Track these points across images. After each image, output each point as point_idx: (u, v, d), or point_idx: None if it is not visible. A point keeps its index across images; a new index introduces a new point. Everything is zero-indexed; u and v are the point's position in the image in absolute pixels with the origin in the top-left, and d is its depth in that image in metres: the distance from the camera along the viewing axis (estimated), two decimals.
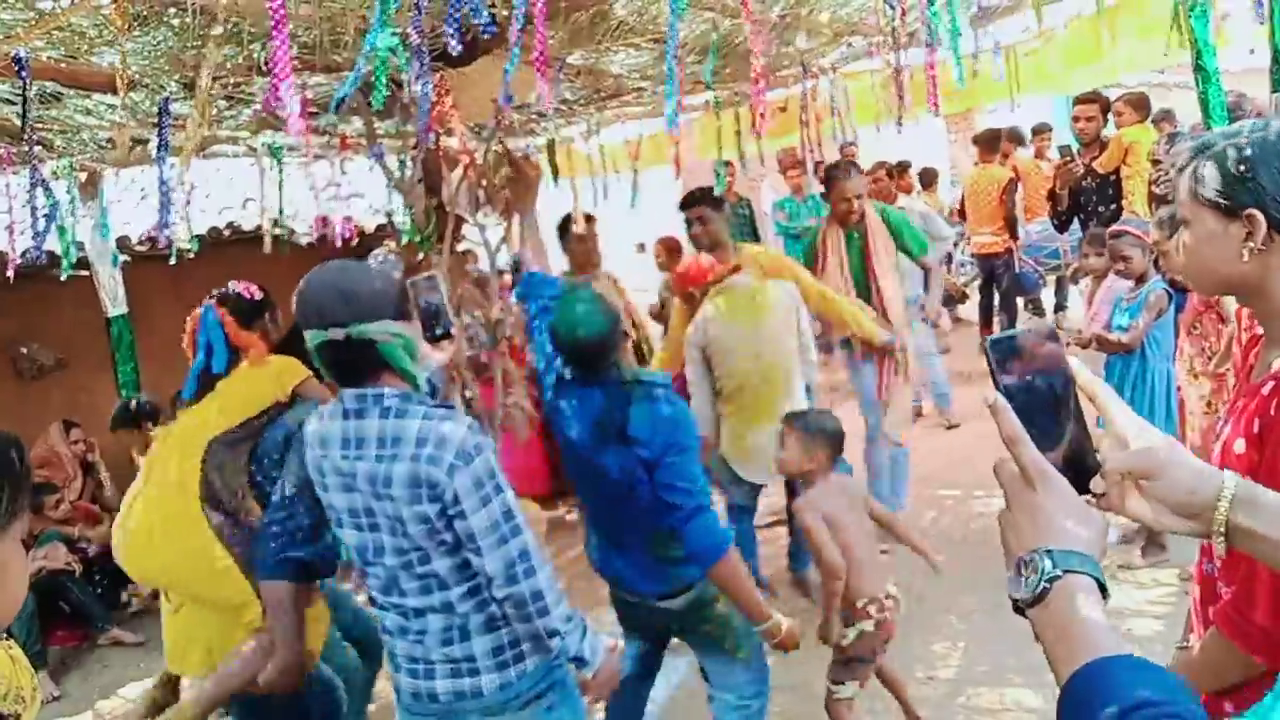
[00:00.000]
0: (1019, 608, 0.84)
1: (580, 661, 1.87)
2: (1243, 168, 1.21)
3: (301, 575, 2.17)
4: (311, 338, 1.80)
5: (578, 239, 4.65)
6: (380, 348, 1.79)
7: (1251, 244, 1.21)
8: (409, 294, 1.93)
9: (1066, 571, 0.81)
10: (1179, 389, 3.61)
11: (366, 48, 1.98)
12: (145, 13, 2.67)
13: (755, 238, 7.68)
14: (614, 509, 2.46)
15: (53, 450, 5.27)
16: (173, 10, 2.66)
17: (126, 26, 2.63)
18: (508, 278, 5.41)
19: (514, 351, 4.16)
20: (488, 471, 1.77)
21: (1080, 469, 0.90)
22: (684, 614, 2.52)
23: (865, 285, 4.35)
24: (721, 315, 3.72)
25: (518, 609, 1.79)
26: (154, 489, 2.44)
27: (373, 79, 3.34)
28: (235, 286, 2.75)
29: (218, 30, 1.72)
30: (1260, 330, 1.35)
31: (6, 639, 1.60)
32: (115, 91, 3.05)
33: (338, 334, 1.77)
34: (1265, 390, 1.24)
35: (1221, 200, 1.23)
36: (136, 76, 3.05)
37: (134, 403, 3.94)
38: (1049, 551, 0.82)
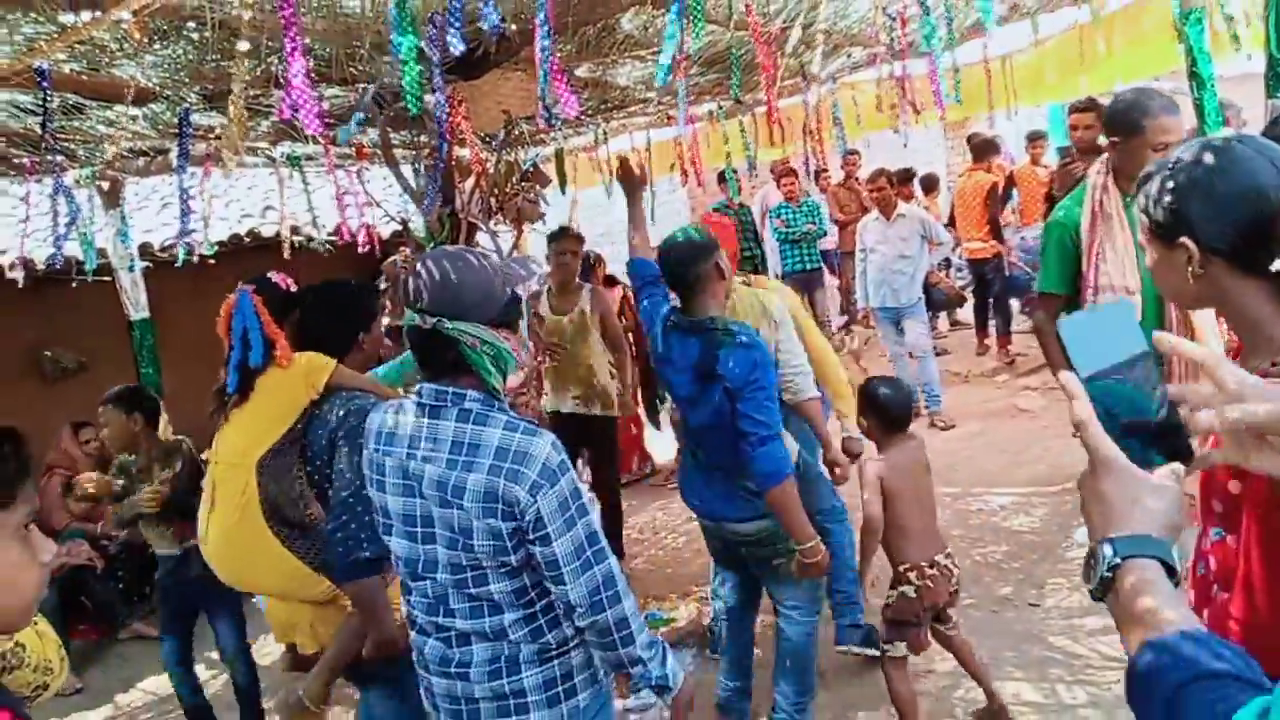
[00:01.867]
0: (1096, 598, 0.85)
1: (663, 688, 1.77)
2: (1169, 199, 1.28)
3: (373, 570, 2.16)
4: (406, 318, 1.72)
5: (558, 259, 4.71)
6: (463, 349, 1.67)
7: (1191, 268, 1.28)
8: (517, 304, 1.80)
9: (1127, 558, 0.82)
10: None
11: (394, 52, 2.05)
12: (165, 27, 2.77)
13: (757, 243, 7.79)
14: (706, 442, 2.80)
15: (65, 452, 5.38)
16: (192, 24, 2.76)
17: (147, 40, 2.75)
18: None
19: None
20: (573, 492, 1.66)
21: (1172, 439, 0.89)
22: (755, 541, 2.85)
23: None
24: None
25: (601, 637, 1.69)
26: (222, 516, 2.41)
27: (392, 91, 3.47)
28: (272, 275, 2.70)
29: (244, 45, 1.80)
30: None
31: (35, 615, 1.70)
32: (135, 103, 3.18)
33: (425, 321, 1.67)
34: None
35: (1159, 230, 1.32)
36: (156, 88, 3.16)
37: (136, 389, 3.82)
38: (1111, 540, 0.84)
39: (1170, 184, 1.30)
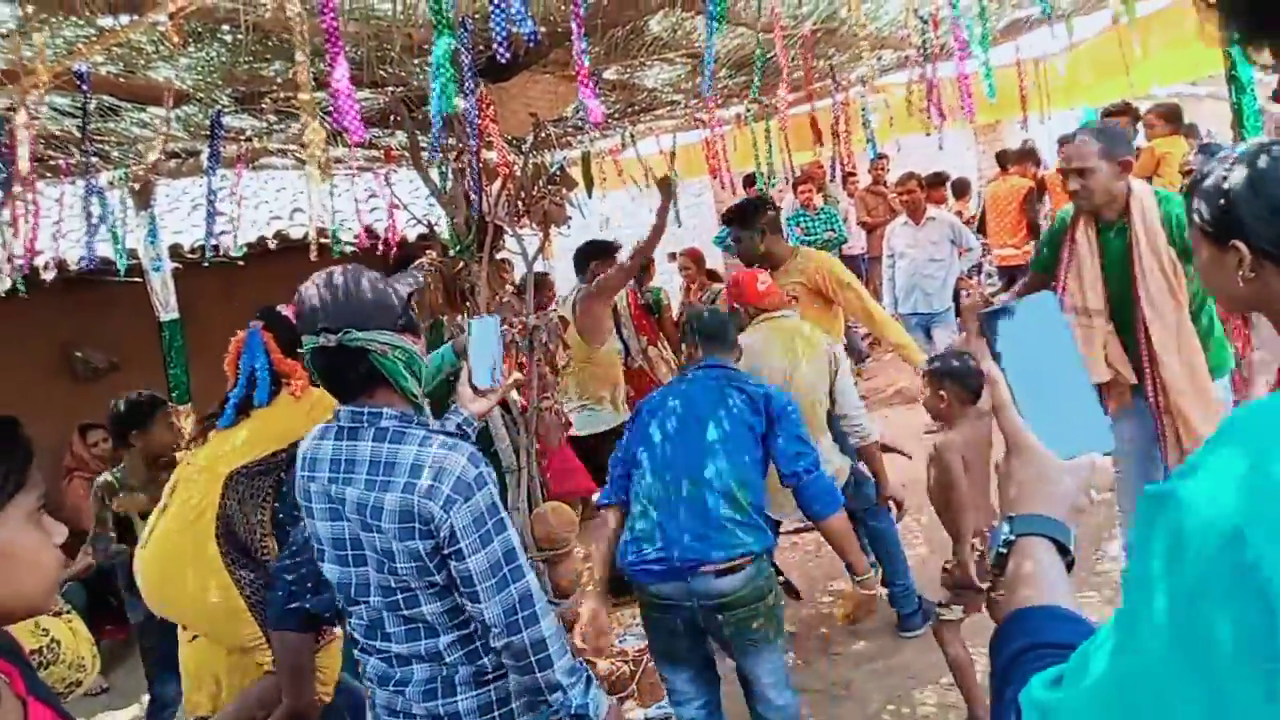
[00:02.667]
0: (995, 573, 0.88)
1: (583, 717, 1.69)
2: (1223, 202, 1.29)
3: (309, 626, 2.11)
4: (305, 343, 1.68)
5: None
6: (374, 359, 1.64)
7: (1243, 270, 1.28)
8: (411, 309, 1.79)
9: (1021, 535, 0.85)
10: None
11: (430, 53, 2.05)
12: (200, 29, 2.80)
13: None
14: (693, 472, 2.63)
15: (78, 455, 5.42)
16: (226, 27, 2.78)
17: (182, 42, 2.76)
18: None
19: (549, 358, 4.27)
20: (490, 507, 1.62)
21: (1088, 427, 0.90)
22: (734, 603, 2.53)
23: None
24: (758, 347, 3.49)
25: (517, 660, 1.63)
26: (172, 520, 2.33)
27: (420, 94, 3.48)
28: (282, 309, 2.63)
29: (300, 56, 1.80)
30: None
31: (68, 612, 1.71)
32: (169, 105, 3.20)
33: (329, 340, 1.63)
34: None
35: (1211, 231, 1.31)
36: (190, 90, 3.19)
37: (120, 413, 3.62)
38: (1011, 518, 0.86)
39: (1225, 185, 1.29)
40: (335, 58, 1.72)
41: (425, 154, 3.94)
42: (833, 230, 7.88)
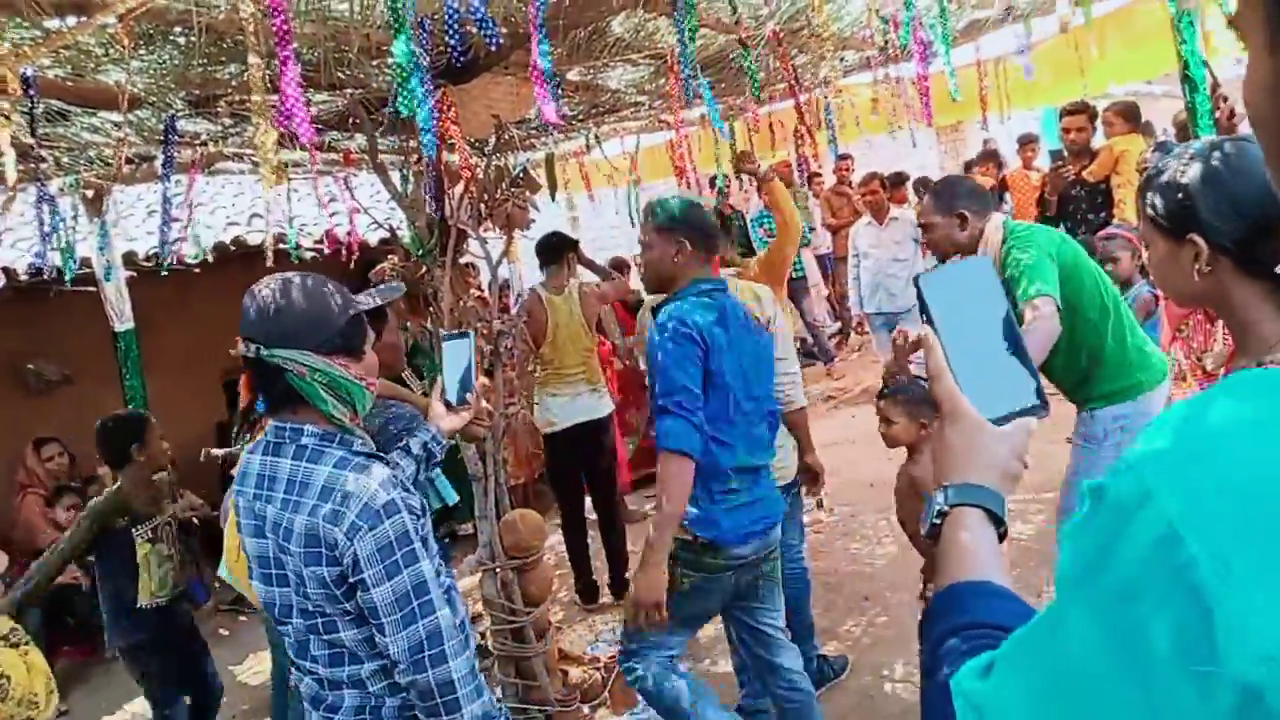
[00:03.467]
0: (929, 544, 0.87)
1: None
2: (1180, 196, 1.30)
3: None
4: (240, 346, 1.64)
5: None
6: (289, 379, 1.58)
7: (1199, 265, 1.28)
8: (361, 329, 1.73)
9: (955, 505, 0.83)
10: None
11: (388, 54, 2.01)
12: (151, 31, 2.73)
13: (749, 250, 7.76)
14: (760, 414, 2.66)
15: (32, 470, 5.28)
16: (179, 29, 2.72)
17: (133, 45, 2.69)
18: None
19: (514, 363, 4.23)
20: (400, 536, 1.54)
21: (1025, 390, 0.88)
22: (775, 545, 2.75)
23: None
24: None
25: (423, 699, 1.56)
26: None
27: (379, 97, 3.42)
28: None
29: (254, 59, 1.75)
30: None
31: (26, 644, 1.65)
32: (117, 109, 3.12)
33: (248, 350, 1.59)
34: None
35: (1167, 225, 1.32)
36: (142, 94, 3.11)
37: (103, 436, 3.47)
38: (945, 487, 0.85)
39: (1182, 180, 1.30)
40: (285, 60, 1.67)
41: (386, 156, 3.89)
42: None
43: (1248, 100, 0.54)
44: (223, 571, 2.95)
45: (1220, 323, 3.31)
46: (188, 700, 3.49)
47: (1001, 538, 0.83)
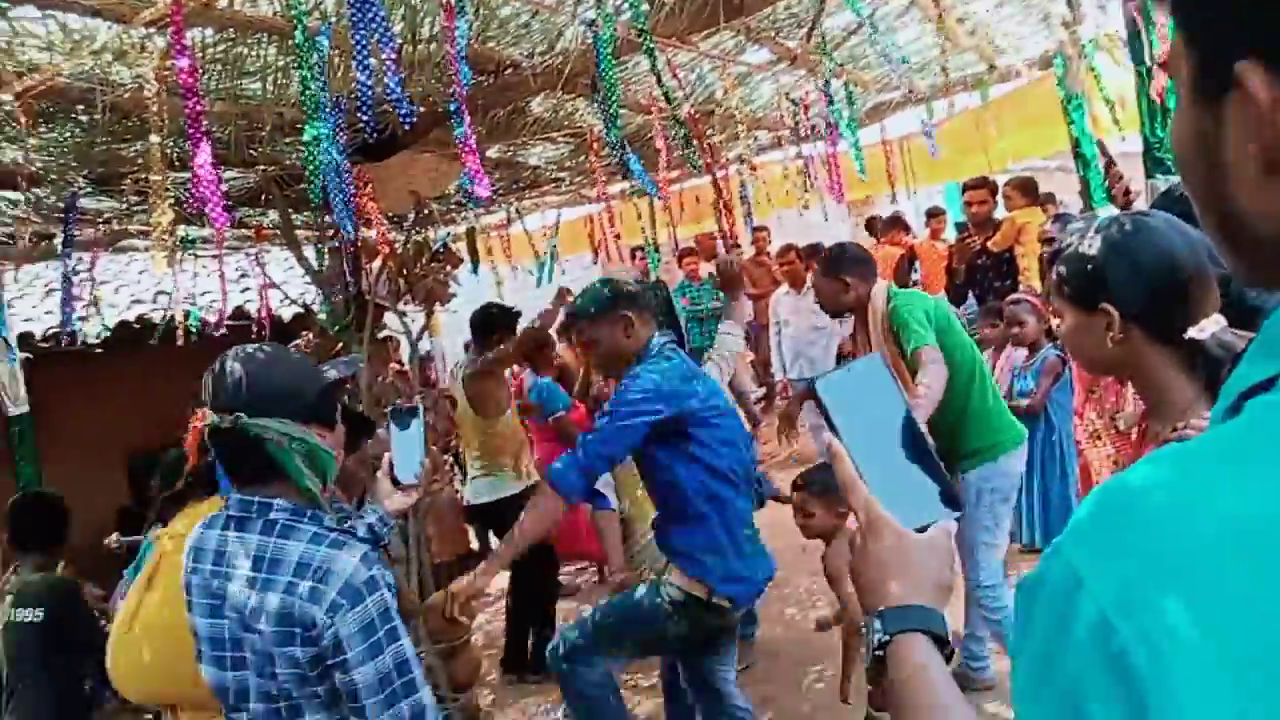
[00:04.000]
0: (871, 679, 0.81)
1: None
2: (1090, 268, 1.35)
3: None
4: (208, 419, 1.56)
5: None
6: (270, 449, 1.51)
7: (1111, 333, 1.32)
8: (333, 399, 1.71)
9: (895, 634, 0.78)
10: (1080, 452, 3.79)
11: (300, 134, 1.98)
12: (52, 109, 2.64)
13: (673, 319, 7.82)
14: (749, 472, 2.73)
15: None
16: (80, 106, 2.64)
17: (31, 123, 2.61)
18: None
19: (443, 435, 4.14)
20: (382, 614, 1.48)
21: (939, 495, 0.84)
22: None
23: None
24: None
25: None
26: (164, 600, 2.10)
27: (293, 174, 3.38)
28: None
29: (155, 138, 1.70)
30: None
31: None
32: (15, 188, 3.01)
33: (224, 420, 1.51)
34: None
35: (1078, 296, 1.37)
36: (41, 172, 3.00)
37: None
38: (880, 613, 0.79)
39: (1091, 251, 1.35)
40: (198, 142, 1.63)
41: (301, 232, 3.83)
42: (718, 301, 8.02)
43: (1175, 145, 0.54)
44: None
45: (1130, 384, 3.44)
46: None
47: (948, 658, 0.78)
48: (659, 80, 2.78)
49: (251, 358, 1.59)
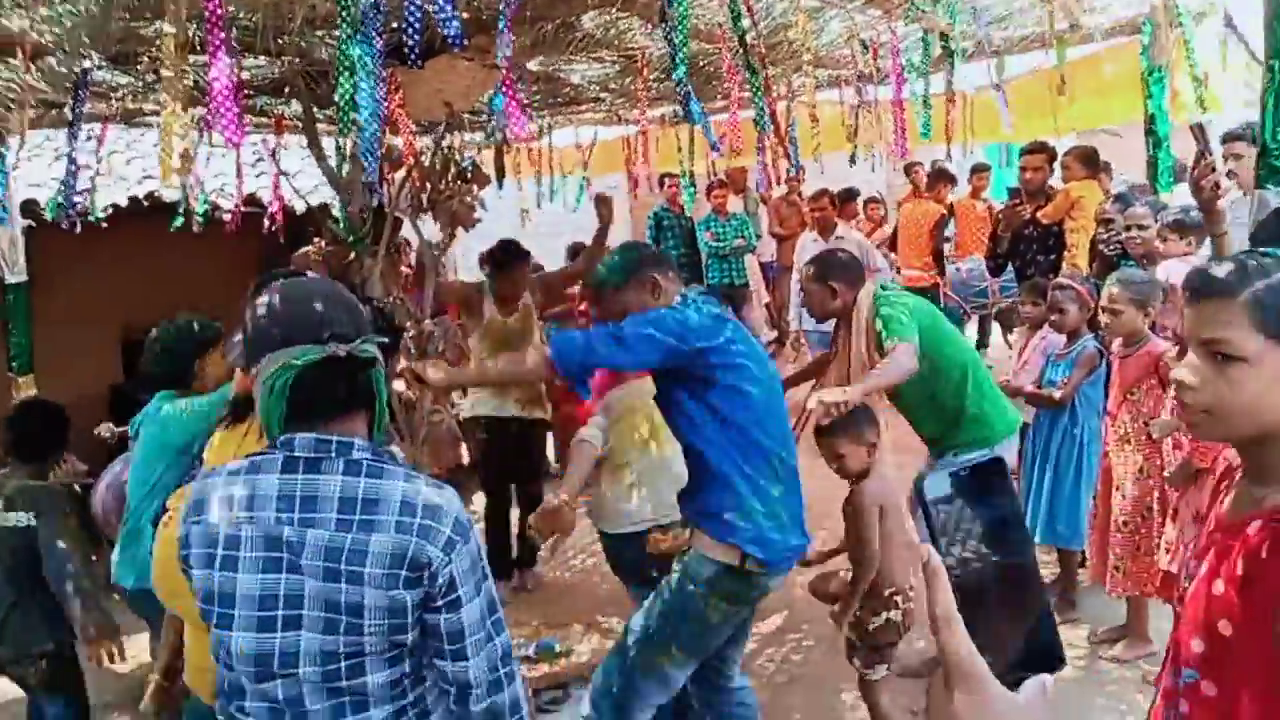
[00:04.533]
0: None
1: None
2: None
3: None
4: (298, 354, 1.40)
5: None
6: (375, 377, 1.46)
7: None
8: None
9: None
10: (1105, 454, 3.64)
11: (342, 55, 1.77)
12: None
13: (693, 252, 7.62)
14: (790, 446, 2.55)
15: None
16: None
17: None
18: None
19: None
20: (478, 551, 1.48)
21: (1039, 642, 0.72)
22: None
23: None
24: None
25: None
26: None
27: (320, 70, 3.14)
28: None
29: (169, 28, 1.50)
30: (1236, 461, 1.28)
31: None
32: (22, 56, 2.78)
33: (338, 349, 1.41)
34: (1251, 530, 1.17)
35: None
36: (50, 45, 2.77)
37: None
38: None
39: None
40: (216, 51, 1.42)
41: (323, 127, 3.60)
42: (743, 238, 7.79)
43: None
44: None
45: (1172, 389, 3.26)
46: None
47: None
48: (732, 5, 2.55)
49: (325, 287, 1.50)
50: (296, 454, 1.43)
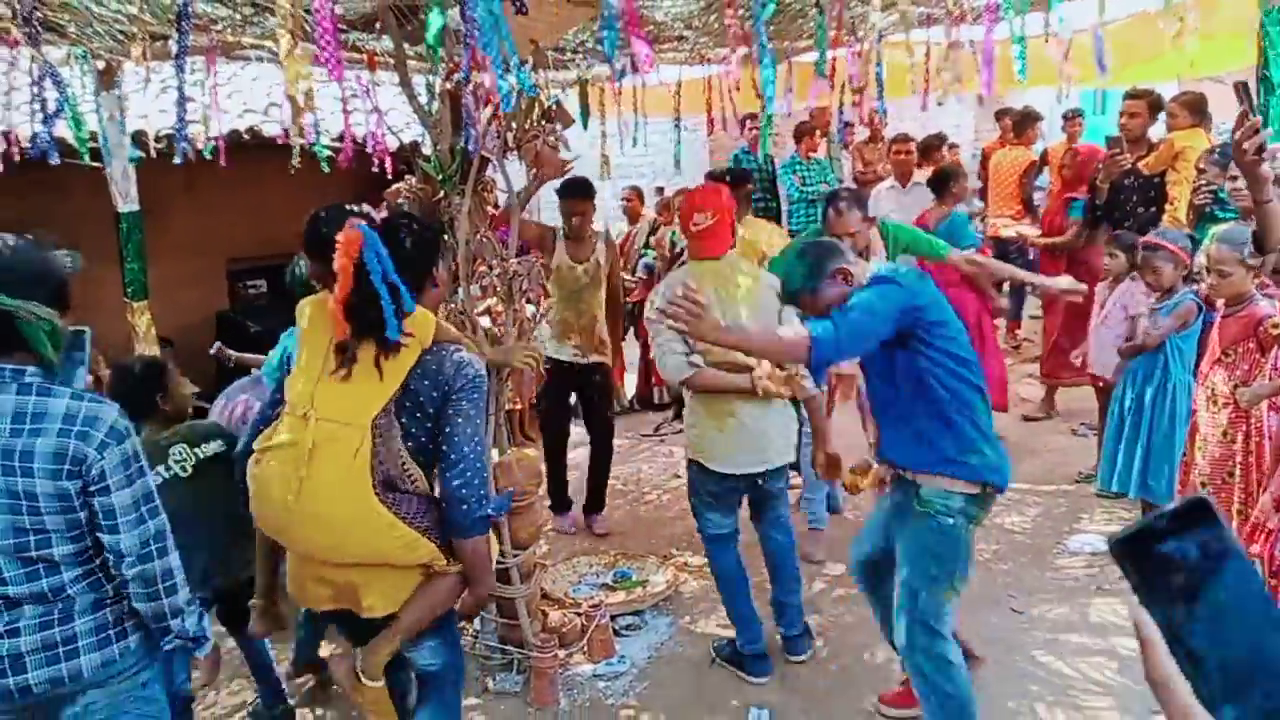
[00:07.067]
0: None
1: (198, 641, 2.05)
2: None
3: (487, 527, 2.33)
4: None
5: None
6: (20, 325, 1.82)
7: None
8: (68, 288, 1.94)
9: None
10: (1194, 411, 3.55)
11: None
12: None
13: (774, 197, 7.51)
14: None
15: None
16: None
17: None
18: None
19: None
20: (134, 454, 1.89)
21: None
22: None
23: None
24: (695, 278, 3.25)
25: (146, 586, 1.92)
26: (328, 469, 2.13)
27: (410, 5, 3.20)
28: (365, 208, 2.65)
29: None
30: None
31: None
32: None
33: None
34: None
35: None
36: None
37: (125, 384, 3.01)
38: None
39: None
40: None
41: (414, 64, 3.67)
42: (826, 184, 7.64)
43: None
44: None
45: (1273, 354, 3.14)
46: None
47: None
48: None
49: (10, 250, 1.86)
50: None
